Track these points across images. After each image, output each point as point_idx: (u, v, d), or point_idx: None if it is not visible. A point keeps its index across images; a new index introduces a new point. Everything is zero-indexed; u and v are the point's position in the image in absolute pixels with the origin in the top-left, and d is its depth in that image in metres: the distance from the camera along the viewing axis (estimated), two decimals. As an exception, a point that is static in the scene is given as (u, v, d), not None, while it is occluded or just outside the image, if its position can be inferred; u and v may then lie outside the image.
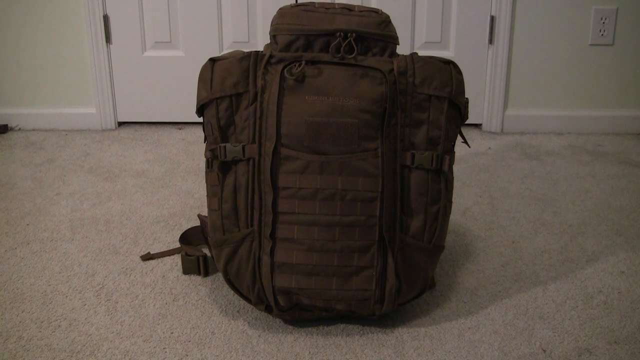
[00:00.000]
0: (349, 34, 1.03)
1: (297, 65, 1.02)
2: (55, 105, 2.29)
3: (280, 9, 1.07)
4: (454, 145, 1.09)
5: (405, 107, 1.05)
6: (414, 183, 1.05)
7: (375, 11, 1.07)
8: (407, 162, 1.05)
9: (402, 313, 1.14)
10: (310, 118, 1.00)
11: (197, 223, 1.51)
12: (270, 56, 1.04)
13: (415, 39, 2.23)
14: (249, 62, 1.04)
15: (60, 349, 1.04)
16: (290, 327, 1.10)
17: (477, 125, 2.33)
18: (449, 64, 1.06)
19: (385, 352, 1.04)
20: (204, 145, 2.08)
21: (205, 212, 1.57)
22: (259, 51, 1.06)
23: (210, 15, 2.21)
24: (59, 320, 1.12)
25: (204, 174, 1.85)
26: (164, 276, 1.27)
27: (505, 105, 2.26)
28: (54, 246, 1.40)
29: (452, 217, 1.55)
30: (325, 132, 1.01)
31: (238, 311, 1.15)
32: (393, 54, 1.06)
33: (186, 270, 1.27)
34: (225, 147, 1.04)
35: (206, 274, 1.27)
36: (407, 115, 1.05)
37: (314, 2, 1.08)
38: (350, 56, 1.04)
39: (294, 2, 2.15)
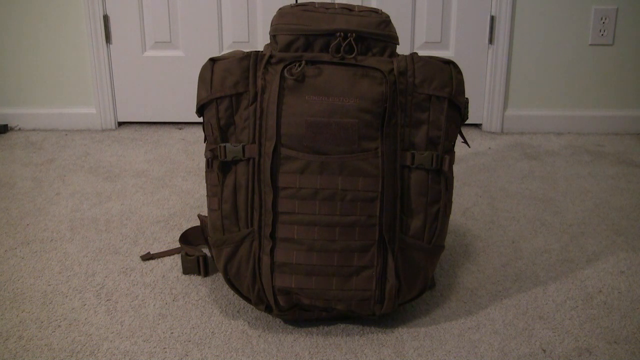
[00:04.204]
0: (349, 34, 1.03)
1: (297, 65, 1.02)
2: (55, 105, 2.29)
3: (280, 9, 1.07)
4: (454, 145, 1.09)
5: (405, 107, 1.05)
6: (414, 183, 1.05)
7: (375, 11, 1.07)
8: (407, 162, 1.05)
9: (402, 313, 1.14)
10: (310, 118, 1.00)
11: (197, 223, 1.51)
12: (270, 56, 1.04)
13: (415, 39, 2.23)
14: (249, 62, 1.04)
15: (60, 349, 1.04)
16: (290, 327, 1.10)
17: (477, 125, 2.33)
18: (449, 64, 1.06)
19: (385, 352, 1.04)
20: (204, 145, 2.08)
21: (205, 212, 1.57)
22: (259, 51, 1.06)
23: (210, 15, 2.21)
24: (59, 320, 1.12)
25: (204, 174, 1.85)
26: (164, 276, 1.27)
27: (505, 105, 2.26)
28: (54, 246, 1.40)
29: (452, 217, 1.55)
30: (325, 132, 1.01)
31: (238, 311, 1.15)
32: (393, 54, 1.06)
33: (186, 270, 1.27)
34: (225, 147, 1.04)
35: (206, 274, 1.27)
36: (407, 115, 1.05)
37: (314, 2, 1.08)
38: (350, 56, 1.03)
39: (294, 2, 2.15)
